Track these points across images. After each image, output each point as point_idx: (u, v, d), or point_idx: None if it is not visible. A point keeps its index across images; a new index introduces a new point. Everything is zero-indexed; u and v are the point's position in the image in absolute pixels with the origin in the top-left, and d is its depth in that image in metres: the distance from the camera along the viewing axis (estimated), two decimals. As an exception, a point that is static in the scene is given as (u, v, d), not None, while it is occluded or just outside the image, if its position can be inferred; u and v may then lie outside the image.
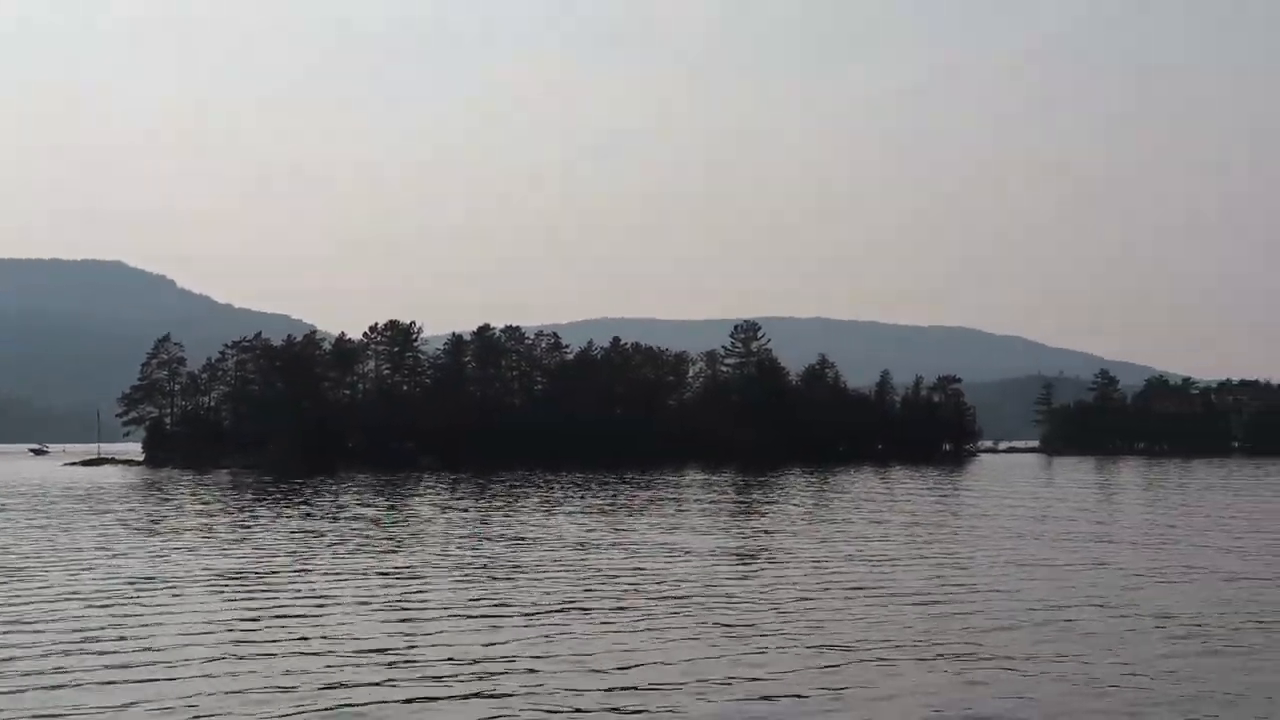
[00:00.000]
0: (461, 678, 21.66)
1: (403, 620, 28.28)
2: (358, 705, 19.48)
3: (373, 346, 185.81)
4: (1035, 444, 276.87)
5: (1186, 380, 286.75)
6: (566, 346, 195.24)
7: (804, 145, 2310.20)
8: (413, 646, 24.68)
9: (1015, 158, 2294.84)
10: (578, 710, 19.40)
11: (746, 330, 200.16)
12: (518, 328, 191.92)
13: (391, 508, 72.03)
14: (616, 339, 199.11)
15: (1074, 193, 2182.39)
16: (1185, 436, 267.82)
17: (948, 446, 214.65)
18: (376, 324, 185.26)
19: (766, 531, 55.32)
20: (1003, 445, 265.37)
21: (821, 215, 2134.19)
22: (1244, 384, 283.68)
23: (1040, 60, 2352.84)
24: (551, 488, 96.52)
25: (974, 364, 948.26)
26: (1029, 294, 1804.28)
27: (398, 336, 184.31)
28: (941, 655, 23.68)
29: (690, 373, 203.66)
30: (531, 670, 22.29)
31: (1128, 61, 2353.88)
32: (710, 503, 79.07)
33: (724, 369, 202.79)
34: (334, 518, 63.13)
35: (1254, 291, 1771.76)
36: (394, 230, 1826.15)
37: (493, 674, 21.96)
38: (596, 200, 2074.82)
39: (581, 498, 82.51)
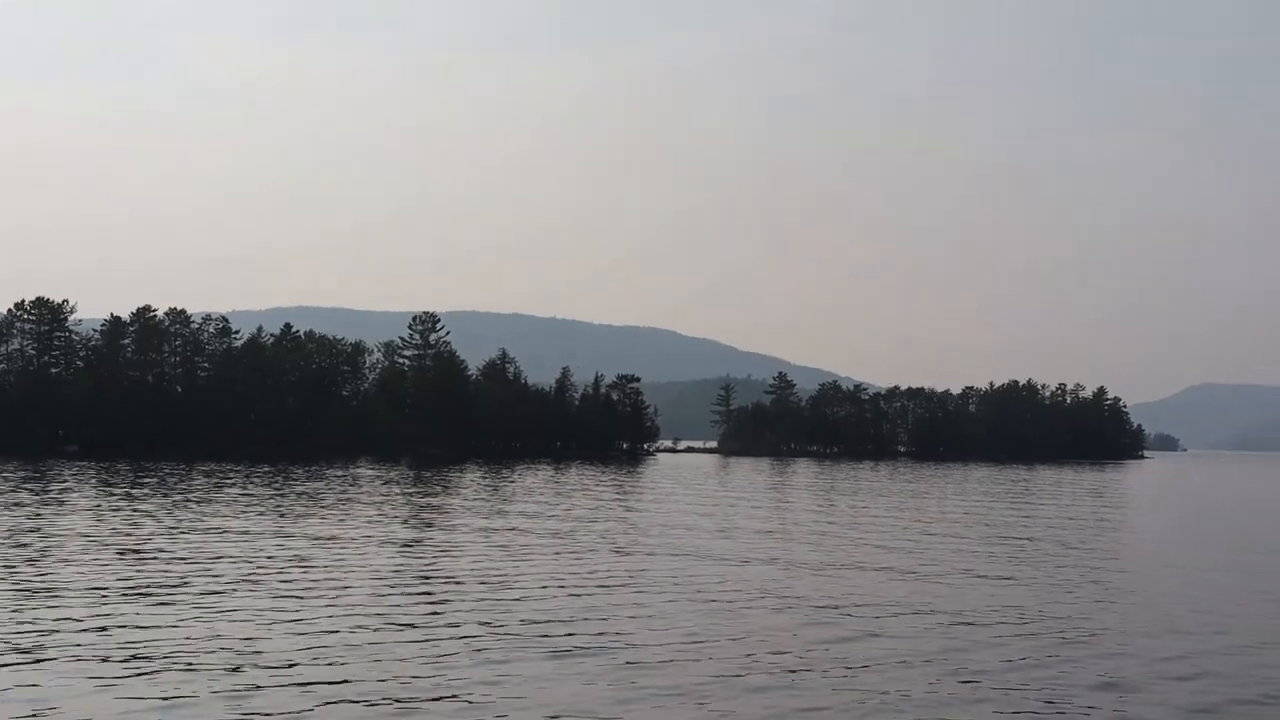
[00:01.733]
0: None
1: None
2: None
3: (19, 324, 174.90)
4: (714, 444, 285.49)
5: (858, 386, 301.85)
6: (237, 332, 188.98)
7: (507, 139, 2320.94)
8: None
9: (725, 169, 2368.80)
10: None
11: (425, 322, 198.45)
12: (183, 310, 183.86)
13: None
14: (288, 326, 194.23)
15: (769, 198, 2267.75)
16: (855, 439, 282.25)
17: (625, 444, 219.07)
18: (24, 300, 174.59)
19: (414, 528, 55.56)
20: (682, 445, 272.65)
21: (514, 210, 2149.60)
22: (910, 391, 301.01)
23: (687, 72, 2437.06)
24: (194, 479, 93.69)
25: (668, 365, 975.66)
26: (724, 299, 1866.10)
27: (46, 315, 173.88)
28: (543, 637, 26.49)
29: (367, 363, 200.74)
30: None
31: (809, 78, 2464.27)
32: (352, 499, 78.51)
33: (401, 360, 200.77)
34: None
35: (925, 310, 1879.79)
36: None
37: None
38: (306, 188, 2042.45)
39: (219, 490, 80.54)
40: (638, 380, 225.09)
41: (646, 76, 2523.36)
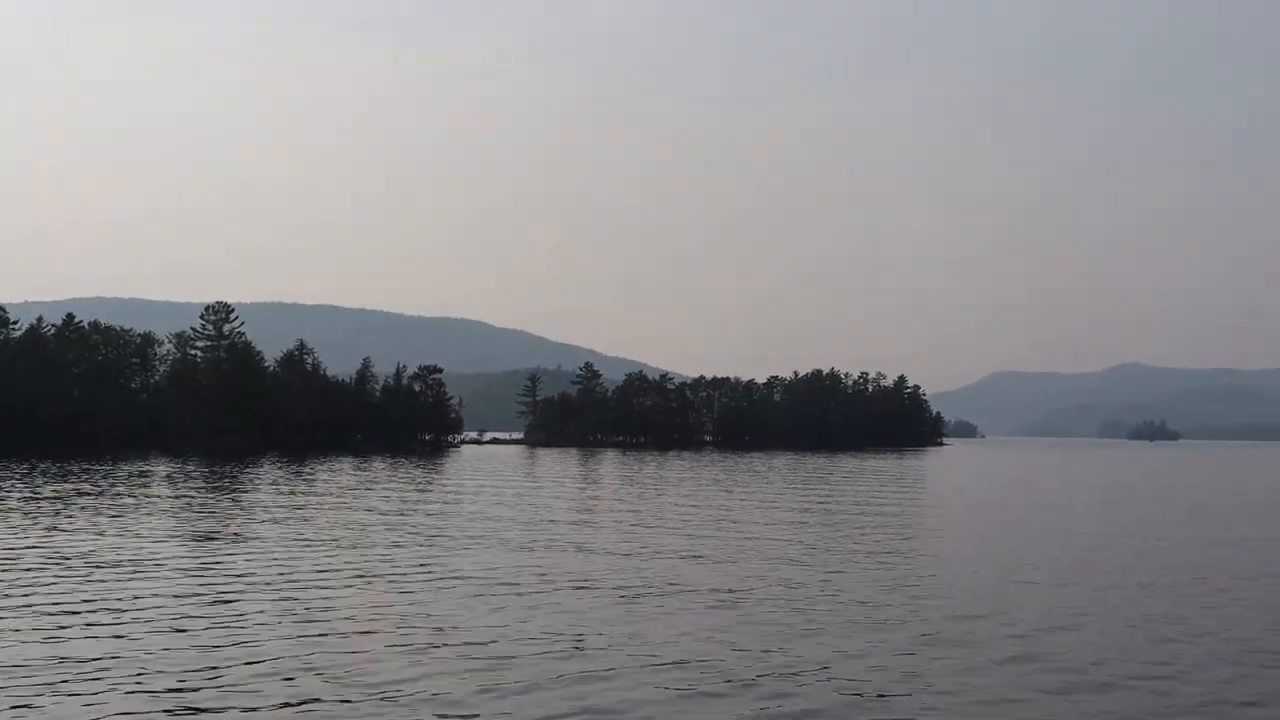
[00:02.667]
0: None
1: None
2: None
3: None
4: (521, 435, 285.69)
5: (664, 376, 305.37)
6: (15, 323, 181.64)
7: (315, 129, 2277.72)
8: None
9: (535, 157, 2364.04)
10: None
11: (218, 312, 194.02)
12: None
13: None
14: (70, 316, 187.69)
15: (578, 188, 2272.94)
16: (662, 429, 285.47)
17: (427, 436, 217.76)
18: None
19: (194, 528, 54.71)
20: (487, 436, 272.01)
21: (322, 202, 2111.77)
22: (715, 381, 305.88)
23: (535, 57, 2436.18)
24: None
25: (478, 357, 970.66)
26: (535, 290, 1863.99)
27: None
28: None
29: (157, 355, 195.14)
30: None
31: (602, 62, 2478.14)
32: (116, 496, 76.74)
33: (194, 352, 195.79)
34: None
35: (734, 301, 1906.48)
36: None
37: None
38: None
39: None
40: (440, 371, 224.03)
41: (453, 68, 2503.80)
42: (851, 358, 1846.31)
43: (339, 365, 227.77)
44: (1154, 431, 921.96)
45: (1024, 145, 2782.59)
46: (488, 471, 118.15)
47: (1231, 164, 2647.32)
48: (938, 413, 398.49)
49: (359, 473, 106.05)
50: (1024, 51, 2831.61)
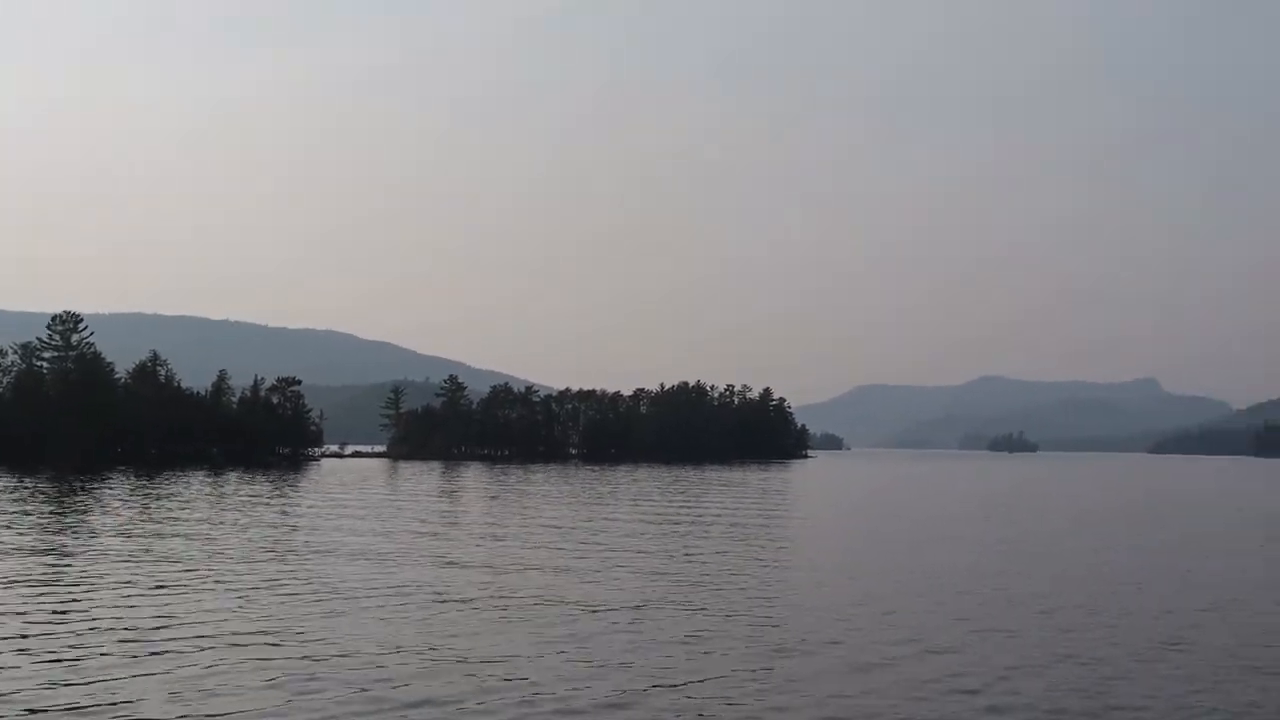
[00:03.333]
0: None
1: None
2: None
3: None
4: (384, 449, 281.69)
5: (529, 389, 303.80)
6: None
7: (174, 135, 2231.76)
8: None
9: (409, 170, 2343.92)
10: None
11: (66, 322, 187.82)
12: None
13: None
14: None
15: (449, 200, 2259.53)
16: (527, 442, 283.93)
17: (285, 450, 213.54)
18: None
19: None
20: (349, 449, 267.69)
21: (184, 208, 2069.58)
22: (581, 394, 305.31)
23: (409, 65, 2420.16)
24: None
25: (344, 369, 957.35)
26: (402, 302, 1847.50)
27: None
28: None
29: (1, 366, 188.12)
30: None
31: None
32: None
33: (40, 363, 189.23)
34: None
35: (602, 314, 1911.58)
36: None
37: None
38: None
39: None
40: (298, 383, 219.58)
41: (315, 74, 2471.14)
42: (721, 371, 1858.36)
43: (202, 377, 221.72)
44: (1013, 443, 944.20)
45: (892, 163, 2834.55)
46: (342, 485, 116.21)
47: (1090, 184, 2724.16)
48: (803, 425, 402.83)
49: (209, 486, 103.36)
50: (902, 69, 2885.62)
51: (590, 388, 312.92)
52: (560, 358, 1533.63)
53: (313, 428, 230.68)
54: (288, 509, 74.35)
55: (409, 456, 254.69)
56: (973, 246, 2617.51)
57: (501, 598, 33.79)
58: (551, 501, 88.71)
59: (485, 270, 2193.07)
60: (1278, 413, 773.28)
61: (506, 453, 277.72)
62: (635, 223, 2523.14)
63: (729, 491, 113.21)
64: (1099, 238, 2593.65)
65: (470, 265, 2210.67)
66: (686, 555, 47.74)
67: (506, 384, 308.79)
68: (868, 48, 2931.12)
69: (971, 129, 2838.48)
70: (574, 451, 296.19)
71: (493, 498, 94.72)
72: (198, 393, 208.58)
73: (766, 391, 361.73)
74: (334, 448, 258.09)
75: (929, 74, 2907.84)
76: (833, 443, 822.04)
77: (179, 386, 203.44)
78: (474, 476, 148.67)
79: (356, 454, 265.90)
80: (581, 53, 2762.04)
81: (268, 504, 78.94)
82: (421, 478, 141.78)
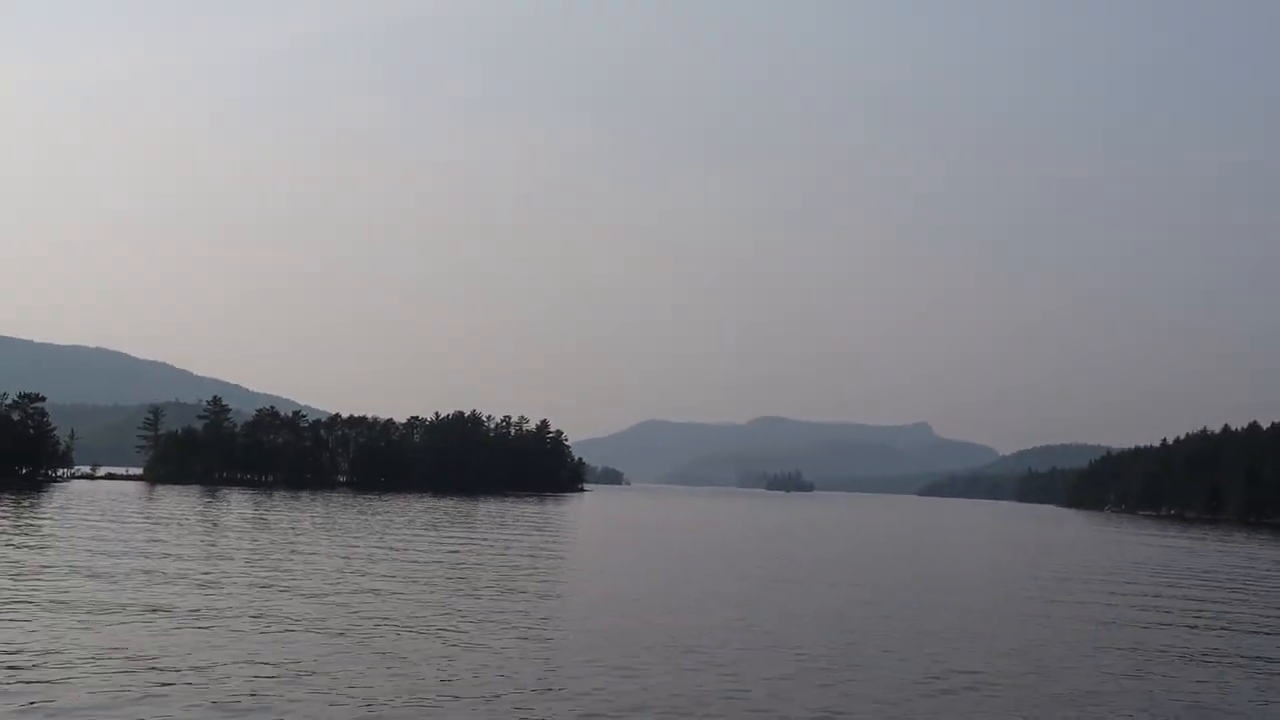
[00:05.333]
0: None
1: None
2: None
3: None
4: (140, 472, 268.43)
5: (297, 413, 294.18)
6: None
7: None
8: None
9: (183, 170, 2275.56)
10: None
11: None
12: None
13: None
14: None
15: (222, 204, 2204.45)
16: (295, 468, 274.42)
17: (24, 470, 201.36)
18: None
19: None
20: (101, 471, 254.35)
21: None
22: (352, 420, 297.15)
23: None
24: None
25: (118, 388, 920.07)
26: (179, 321, 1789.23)
27: None
28: None
29: None
30: None
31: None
32: None
33: None
34: None
35: (390, 340, 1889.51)
36: None
37: None
38: None
39: None
40: (42, 399, 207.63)
41: (90, 77, 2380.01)
42: (506, 404, 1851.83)
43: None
44: (789, 482, 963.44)
45: (682, 198, 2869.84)
46: (83, 509, 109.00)
47: (865, 240, 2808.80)
48: (579, 459, 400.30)
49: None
50: (696, 102, 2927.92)
51: (373, 415, 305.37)
52: (346, 385, 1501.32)
53: (60, 448, 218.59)
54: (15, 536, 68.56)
55: (166, 480, 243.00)
56: (759, 291, 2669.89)
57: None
58: (270, 530, 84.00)
59: (264, 289, 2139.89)
60: (1039, 460, 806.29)
61: (271, 479, 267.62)
62: (432, 256, 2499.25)
63: (487, 525, 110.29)
64: (878, 289, 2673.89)
65: (248, 283, 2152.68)
66: (432, 588, 46.96)
67: (272, 407, 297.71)
68: (668, 84, 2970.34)
69: (772, 161, 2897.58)
70: (343, 479, 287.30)
71: (216, 528, 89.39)
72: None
73: (544, 424, 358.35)
74: (85, 469, 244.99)
75: (729, 108, 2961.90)
76: (613, 477, 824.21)
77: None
78: (215, 503, 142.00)
79: (110, 476, 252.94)
80: (354, 69, 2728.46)
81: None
82: (156, 503, 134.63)
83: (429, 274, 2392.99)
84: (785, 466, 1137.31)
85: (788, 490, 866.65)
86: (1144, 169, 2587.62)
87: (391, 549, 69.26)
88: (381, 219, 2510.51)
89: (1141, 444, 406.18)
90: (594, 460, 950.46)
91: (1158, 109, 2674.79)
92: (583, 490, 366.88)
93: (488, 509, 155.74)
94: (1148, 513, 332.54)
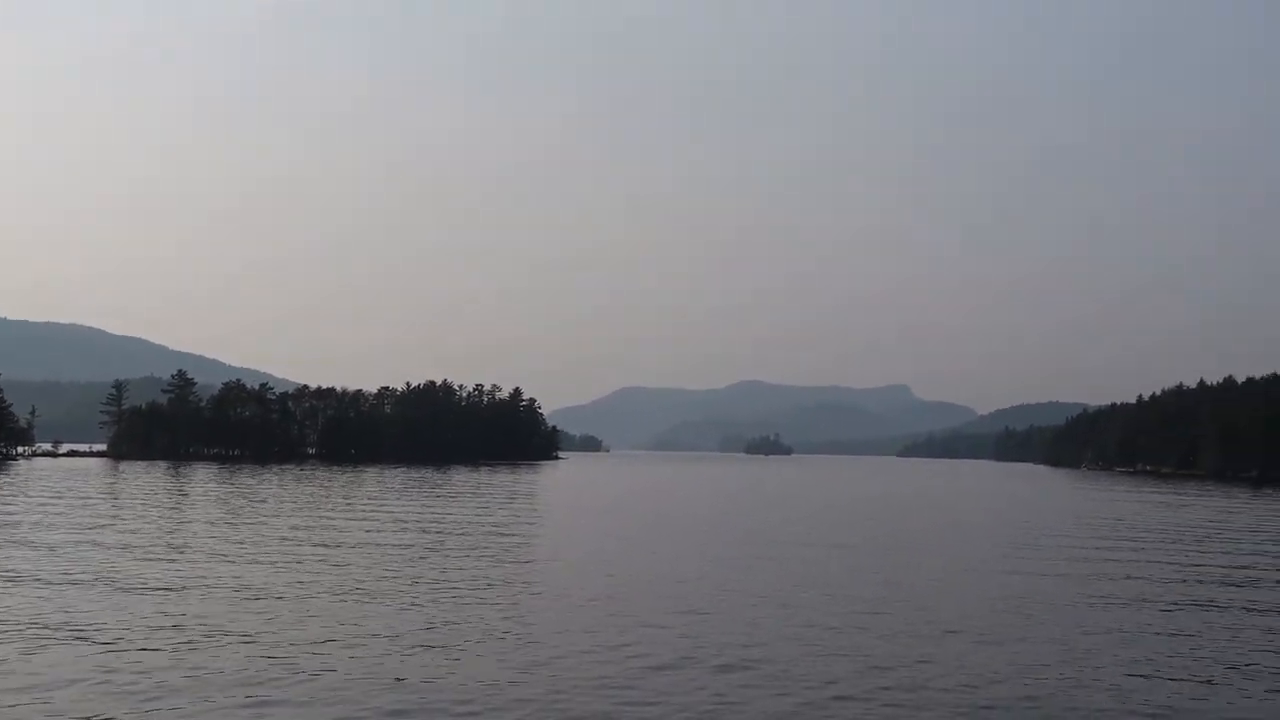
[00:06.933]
0: None
1: None
2: None
3: None
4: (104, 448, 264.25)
5: (264, 385, 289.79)
6: None
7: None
8: None
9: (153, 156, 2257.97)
10: None
11: None
12: None
13: None
14: None
15: (202, 184, 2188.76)
16: (262, 441, 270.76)
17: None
18: None
19: None
20: (64, 448, 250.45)
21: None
22: (320, 391, 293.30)
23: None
24: None
25: (93, 365, 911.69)
26: (154, 296, 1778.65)
27: None
28: None
29: None
30: None
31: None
32: None
33: None
34: None
35: (360, 314, 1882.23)
36: None
37: None
38: None
39: None
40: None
41: (50, 59, 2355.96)
42: (485, 375, 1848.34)
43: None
44: (769, 446, 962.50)
45: (635, 164, 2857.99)
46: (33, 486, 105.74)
47: (835, 203, 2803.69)
48: (554, 426, 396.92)
49: None
50: (638, 72, 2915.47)
51: (343, 387, 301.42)
52: (327, 359, 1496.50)
53: (20, 425, 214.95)
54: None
55: (130, 456, 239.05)
56: (744, 262, 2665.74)
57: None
58: (235, 506, 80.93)
59: (235, 261, 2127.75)
60: (1017, 419, 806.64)
61: (238, 453, 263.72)
62: (377, 227, 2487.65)
63: (463, 495, 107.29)
64: (858, 256, 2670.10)
65: (222, 258, 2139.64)
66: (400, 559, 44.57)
67: (240, 380, 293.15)
68: (587, 54, 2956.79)
69: (762, 141, 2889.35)
70: (311, 451, 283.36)
71: (179, 503, 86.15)
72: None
73: (516, 391, 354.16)
74: (46, 446, 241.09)
75: (683, 78, 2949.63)
76: (592, 444, 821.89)
77: None
78: (180, 478, 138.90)
79: (73, 453, 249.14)
80: (337, 50, 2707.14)
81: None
82: (119, 480, 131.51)
83: (410, 247, 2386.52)
84: (764, 430, 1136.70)
85: (766, 454, 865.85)
86: (1125, 134, 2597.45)
87: (334, 523, 66.35)
88: (362, 195, 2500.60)
89: (1118, 401, 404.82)
90: (574, 428, 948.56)
91: (1135, 77, 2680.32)
92: (558, 458, 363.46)
93: (456, 479, 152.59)
94: (1124, 469, 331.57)
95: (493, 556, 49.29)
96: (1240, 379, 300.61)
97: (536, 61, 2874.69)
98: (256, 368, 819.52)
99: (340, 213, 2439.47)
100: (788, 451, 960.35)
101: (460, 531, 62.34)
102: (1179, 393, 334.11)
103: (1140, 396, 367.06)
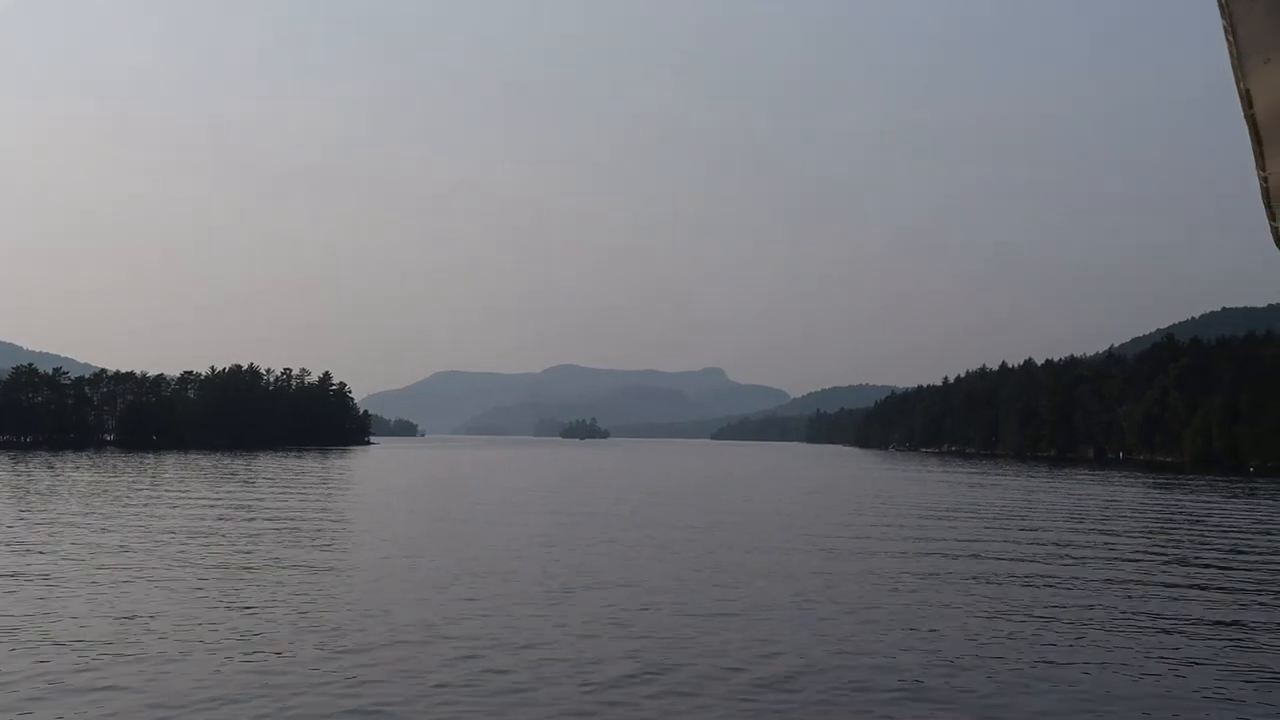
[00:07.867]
0: None
1: None
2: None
3: None
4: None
5: (58, 370, 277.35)
6: None
7: None
8: None
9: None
10: None
11: None
12: None
13: None
14: None
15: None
16: (55, 429, 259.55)
17: None
18: None
19: None
20: None
21: None
22: (119, 376, 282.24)
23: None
24: None
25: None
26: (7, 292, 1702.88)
27: None
28: None
29: None
30: None
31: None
32: None
33: None
34: None
35: (219, 300, 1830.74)
36: None
37: None
38: None
39: None
40: None
41: None
42: (297, 359, 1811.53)
43: None
44: (585, 430, 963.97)
45: (445, 154, 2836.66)
46: None
47: (661, 192, 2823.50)
48: (365, 411, 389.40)
49: None
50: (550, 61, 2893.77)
51: (143, 371, 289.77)
52: (135, 343, 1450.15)
53: None
54: None
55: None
56: (558, 246, 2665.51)
57: None
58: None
59: (84, 256, 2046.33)
60: (829, 402, 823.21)
61: (29, 440, 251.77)
62: (254, 212, 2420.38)
63: (257, 483, 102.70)
64: (672, 243, 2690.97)
65: (23, 237, 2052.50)
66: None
67: (32, 364, 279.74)
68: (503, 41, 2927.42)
69: (585, 124, 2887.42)
70: (110, 438, 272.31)
71: None
72: None
73: (326, 375, 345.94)
74: None
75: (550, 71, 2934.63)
76: (408, 429, 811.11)
77: None
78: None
79: None
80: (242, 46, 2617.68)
81: None
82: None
83: (230, 229, 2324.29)
84: (580, 414, 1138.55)
85: (582, 438, 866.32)
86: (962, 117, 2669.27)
87: (118, 513, 62.03)
88: (173, 170, 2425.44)
89: (925, 384, 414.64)
90: (389, 412, 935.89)
91: (971, 59, 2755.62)
92: (369, 443, 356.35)
93: (256, 465, 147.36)
94: (930, 449, 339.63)
95: (284, 542, 46.45)
96: (1039, 361, 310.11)
97: (340, 38, 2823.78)
98: (58, 352, 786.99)
99: (156, 180, 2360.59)
100: (604, 435, 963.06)
101: (248, 518, 59.16)
102: (982, 375, 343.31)
103: (946, 379, 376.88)
